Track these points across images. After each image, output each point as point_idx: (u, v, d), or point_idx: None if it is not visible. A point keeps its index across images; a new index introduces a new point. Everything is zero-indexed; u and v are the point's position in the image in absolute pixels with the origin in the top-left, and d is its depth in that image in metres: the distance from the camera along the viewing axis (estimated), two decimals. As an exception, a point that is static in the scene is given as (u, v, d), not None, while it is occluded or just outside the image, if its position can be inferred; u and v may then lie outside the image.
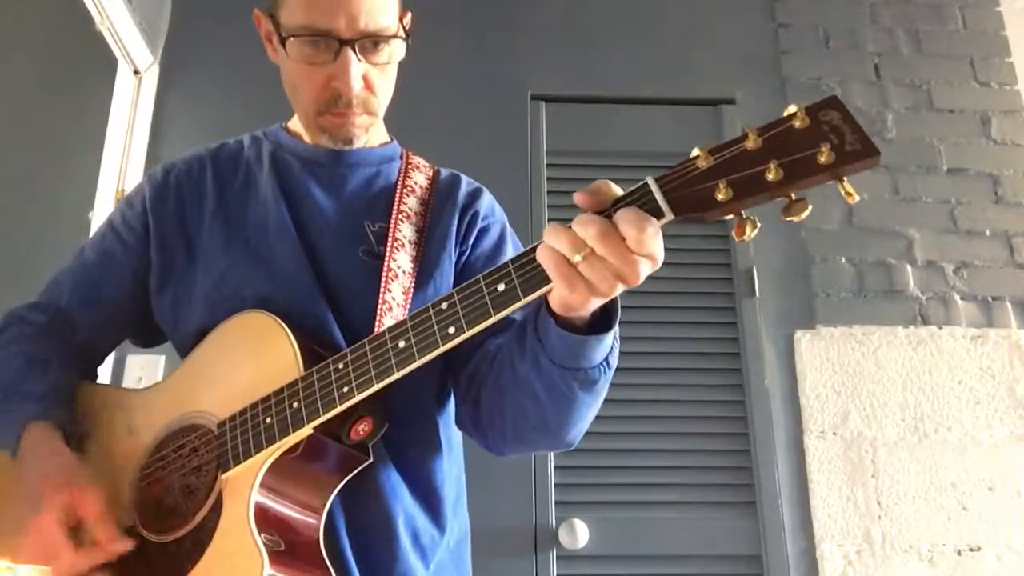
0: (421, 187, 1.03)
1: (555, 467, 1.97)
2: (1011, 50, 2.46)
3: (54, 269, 1.06)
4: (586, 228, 0.67)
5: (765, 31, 2.46)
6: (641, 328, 2.02)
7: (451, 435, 1.00)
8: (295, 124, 1.06)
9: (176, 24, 2.36)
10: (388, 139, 1.08)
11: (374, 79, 0.95)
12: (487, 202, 1.06)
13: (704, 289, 2.14)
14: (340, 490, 0.86)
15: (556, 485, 1.96)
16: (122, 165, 2.21)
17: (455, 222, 1.01)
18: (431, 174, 1.06)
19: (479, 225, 1.02)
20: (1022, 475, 1.99)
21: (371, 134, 1.03)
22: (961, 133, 2.36)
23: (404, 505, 0.91)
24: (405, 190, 1.01)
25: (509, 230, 1.07)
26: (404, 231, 0.97)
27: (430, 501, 0.93)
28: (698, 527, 1.93)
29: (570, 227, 0.68)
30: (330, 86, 0.93)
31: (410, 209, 0.99)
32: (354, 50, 0.91)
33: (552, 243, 0.68)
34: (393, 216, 0.97)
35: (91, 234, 1.08)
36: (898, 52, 2.46)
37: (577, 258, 0.67)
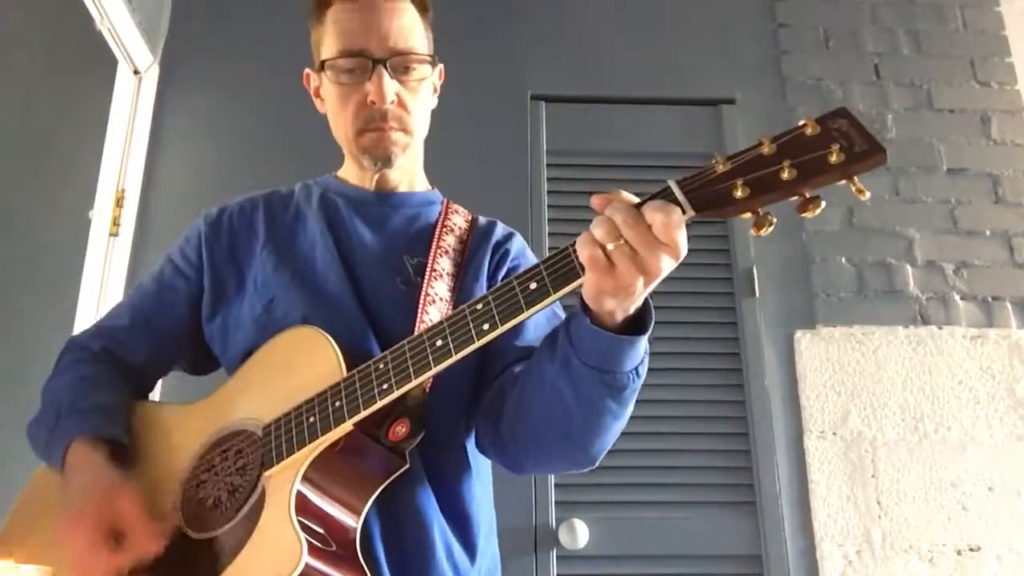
0: (460, 228, 1.10)
1: (555, 467, 1.97)
2: (1011, 50, 2.46)
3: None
4: (616, 212, 0.71)
5: (765, 31, 2.46)
6: (641, 328, 2.02)
7: (479, 462, 1.03)
8: (344, 172, 1.14)
9: (176, 24, 2.36)
10: (430, 187, 1.16)
11: (406, 98, 1.03)
12: (518, 244, 1.13)
13: (704, 289, 2.14)
14: (377, 501, 0.88)
15: (556, 485, 1.96)
16: (122, 165, 2.21)
17: (487, 257, 1.07)
18: (469, 218, 1.14)
19: (508, 264, 1.08)
20: (1022, 475, 1.99)
21: (413, 177, 1.13)
22: (961, 133, 2.36)
23: (439, 521, 0.94)
24: (444, 229, 1.08)
25: None
26: (442, 264, 1.03)
27: (462, 524, 0.97)
28: (698, 527, 1.93)
29: (606, 217, 0.72)
30: (366, 104, 1.01)
31: (448, 246, 1.06)
32: (386, 68, 1.00)
33: (589, 230, 0.73)
34: (432, 250, 1.04)
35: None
36: (898, 52, 2.46)
37: (610, 247, 0.71)
